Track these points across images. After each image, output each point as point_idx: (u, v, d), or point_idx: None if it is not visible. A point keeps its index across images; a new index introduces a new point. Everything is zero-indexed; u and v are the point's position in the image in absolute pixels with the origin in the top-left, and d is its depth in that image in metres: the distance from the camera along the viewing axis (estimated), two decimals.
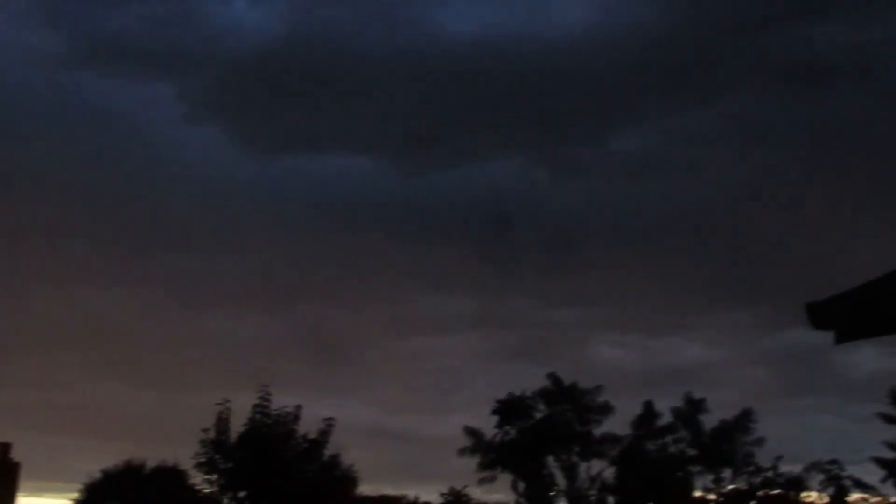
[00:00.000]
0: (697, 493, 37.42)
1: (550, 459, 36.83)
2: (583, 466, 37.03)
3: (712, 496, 37.33)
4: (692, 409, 37.60)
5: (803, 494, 36.75)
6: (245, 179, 61.32)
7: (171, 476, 35.82)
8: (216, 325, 57.97)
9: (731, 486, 37.35)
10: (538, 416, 37.37)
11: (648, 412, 37.61)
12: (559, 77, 59.00)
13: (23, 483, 31.81)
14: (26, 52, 59.24)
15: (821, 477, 36.24)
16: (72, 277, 56.60)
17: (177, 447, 35.35)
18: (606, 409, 37.36)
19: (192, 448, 28.12)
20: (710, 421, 37.61)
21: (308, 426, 28.39)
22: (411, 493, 43.37)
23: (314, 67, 60.15)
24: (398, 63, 59.72)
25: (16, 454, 30.96)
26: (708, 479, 37.21)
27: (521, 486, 36.34)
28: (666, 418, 37.65)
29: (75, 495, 37.01)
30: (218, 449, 27.41)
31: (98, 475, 36.65)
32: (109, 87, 60.09)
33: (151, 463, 37.02)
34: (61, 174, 55.91)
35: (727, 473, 37.28)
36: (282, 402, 28.28)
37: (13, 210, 54.24)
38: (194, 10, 62.94)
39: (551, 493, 36.61)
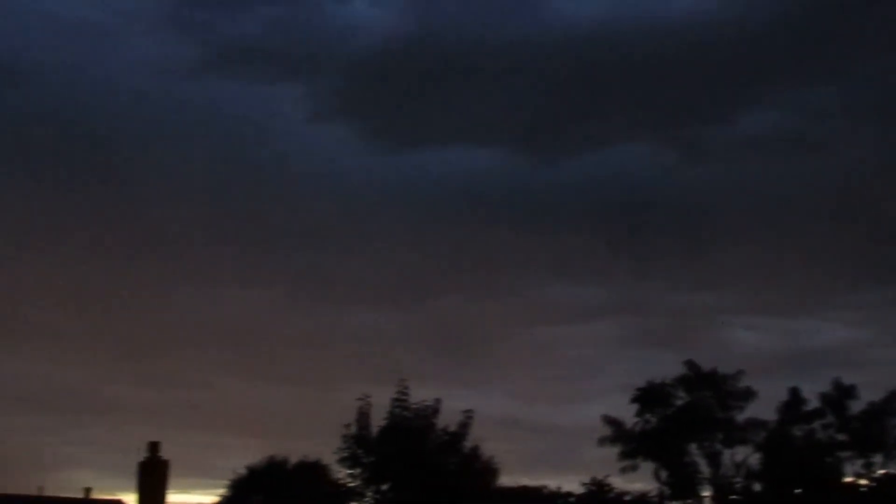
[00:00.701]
0: (848, 479, 36.22)
1: (693, 447, 36.04)
2: (727, 453, 36.17)
3: (863, 482, 36.09)
4: (840, 394, 36.35)
5: None
6: (373, 176, 61.86)
7: (313, 471, 36.30)
8: (351, 321, 58.70)
9: (882, 471, 36.09)
10: (678, 403, 36.63)
11: (795, 398, 36.49)
12: (683, 59, 57.98)
13: (172, 480, 32.39)
14: (158, 61, 60.83)
15: None
16: (211, 279, 57.94)
17: (318, 442, 35.87)
18: (748, 395, 36.37)
19: (332, 443, 28.44)
20: (856, 404, 36.40)
21: (447, 419, 28.47)
22: (550, 483, 43.09)
23: (437, 62, 60.31)
24: (520, 53, 59.51)
25: (164, 452, 31.51)
26: (858, 464, 36.01)
27: (664, 474, 35.69)
28: (812, 403, 36.52)
29: (222, 491, 37.85)
30: (360, 443, 27.62)
31: (243, 471, 37.39)
32: (238, 91, 61.30)
33: (294, 458, 37.62)
34: (196, 178, 57.29)
35: (878, 458, 36.01)
36: (419, 395, 28.40)
37: (154, 215, 55.76)
38: (316, 11, 63.76)
39: (695, 481, 35.85)
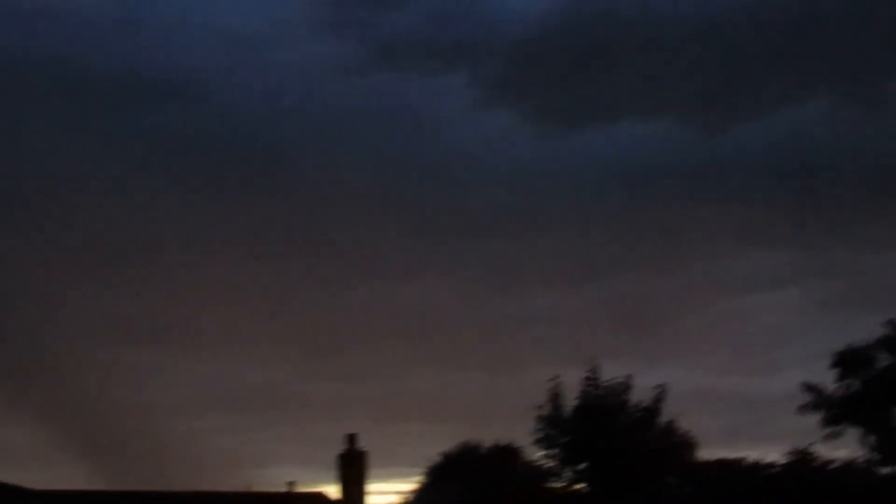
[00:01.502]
0: None
1: None
2: None
3: None
4: None
5: None
6: (541, 158, 61.43)
7: (506, 454, 36.41)
8: (532, 304, 58.52)
9: None
10: (882, 365, 35.09)
11: None
12: (863, 11, 55.42)
13: (370, 470, 32.98)
14: (318, 62, 61.87)
15: None
16: (387, 273, 58.75)
17: (509, 426, 35.97)
18: None
19: (524, 426, 28.58)
20: None
21: (639, 395, 28.18)
22: (749, 454, 41.96)
23: (597, 37, 59.44)
24: (683, 20, 58.02)
25: (361, 443, 32.09)
26: None
27: (872, 439, 34.26)
28: None
29: (419, 478, 38.37)
30: (554, 424, 27.63)
31: (438, 458, 37.79)
32: (400, 85, 61.83)
33: (487, 443, 37.81)
34: (365, 175, 58.16)
35: None
36: (609, 373, 28.21)
37: (327, 214, 56.95)
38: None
39: None
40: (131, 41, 58.15)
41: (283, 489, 33.53)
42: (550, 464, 28.43)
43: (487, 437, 37.78)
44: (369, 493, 31.23)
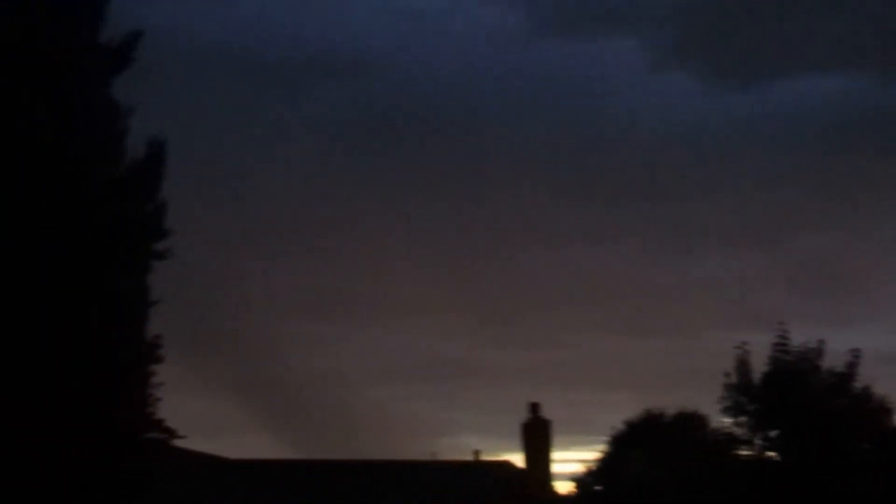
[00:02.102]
0: None
1: None
2: None
3: None
4: None
5: None
6: (719, 117, 59.99)
7: (691, 421, 35.82)
8: (711, 267, 57.32)
9: None
10: None
11: None
12: None
13: (554, 439, 33.07)
14: (489, 30, 61.93)
15: None
16: (561, 238, 58.56)
17: (692, 392, 35.39)
18: None
19: (707, 392, 28.10)
20: None
21: (831, 360, 27.28)
22: None
23: None
24: None
25: (544, 412, 32.18)
26: None
27: None
28: None
29: (602, 447, 38.19)
30: (743, 391, 27.06)
31: (621, 426, 37.49)
32: (572, 51, 61.30)
33: (670, 410, 37.27)
34: (539, 141, 57.96)
35: None
36: (798, 338, 27.38)
37: (502, 182, 57.04)
38: None
39: None
40: (307, 22, 59.48)
41: (469, 458, 33.99)
42: (739, 432, 27.82)
43: (671, 404, 37.33)
44: (554, 461, 31.29)
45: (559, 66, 60.57)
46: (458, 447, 44.91)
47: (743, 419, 27.33)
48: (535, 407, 30.02)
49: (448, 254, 56.63)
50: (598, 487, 33.36)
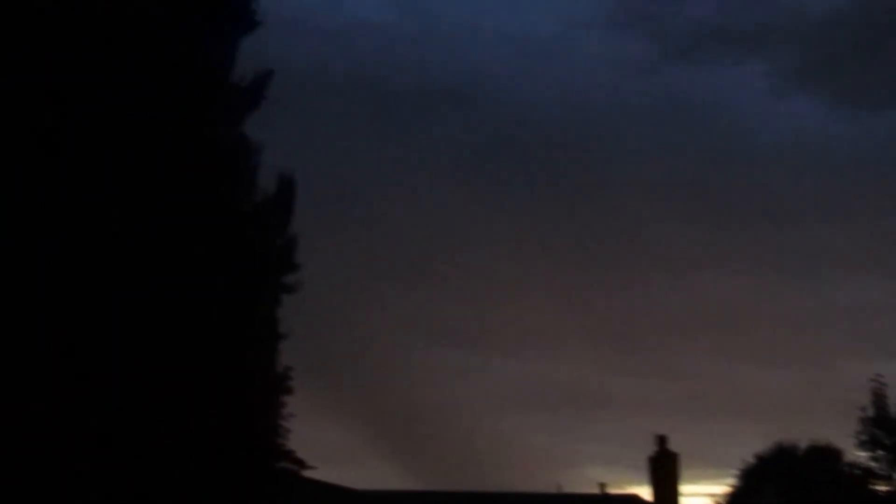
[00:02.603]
0: None
1: None
2: None
3: None
4: None
5: None
6: (844, 142, 58.63)
7: (825, 455, 34.87)
8: (842, 295, 55.78)
9: None
10: None
11: None
12: None
13: (682, 471, 32.41)
14: (616, 57, 61.73)
15: None
16: (684, 264, 57.73)
17: (824, 425, 34.48)
18: None
19: (840, 425, 27.46)
20: None
21: None
22: None
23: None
24: None
25: (672, 444, 31.60)
26: None
27: None
28: None
29: (731, 480, 37.39)
30: (879, 425, 26.28)
31: (752, 460, 36.69)
32: (697, 77, 60.71)
33: (803, 443, 36.34)
34: (664, 166, 57.36)
35: None
36: None
37: (626, 207, 56.57)
38: None
39: None
40: (426, 53, 60.16)
41: (595, 490, 33.59)
42: (876, 466, 27.00)
43: (803, 437, 36.35)
44: (682, 495, 30.71)
45: (685, 92, 60.07)
46: (583, 479, 44.51)
47: (880, 453, 26.62)
48: (662, 439, 29.46)
49: (575, 282, 56.40)
50: None
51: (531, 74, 62.63)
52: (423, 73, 57.95)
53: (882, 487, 27.41)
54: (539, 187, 56.75)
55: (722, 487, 37.93)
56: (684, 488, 32.47)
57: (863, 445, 26.80)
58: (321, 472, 19.90)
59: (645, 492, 31.49)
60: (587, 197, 56.97)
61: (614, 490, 33.42)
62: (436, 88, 57.66)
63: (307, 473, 17.39)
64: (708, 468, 42.24)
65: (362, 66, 56.72)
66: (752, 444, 37.84)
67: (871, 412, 26.19)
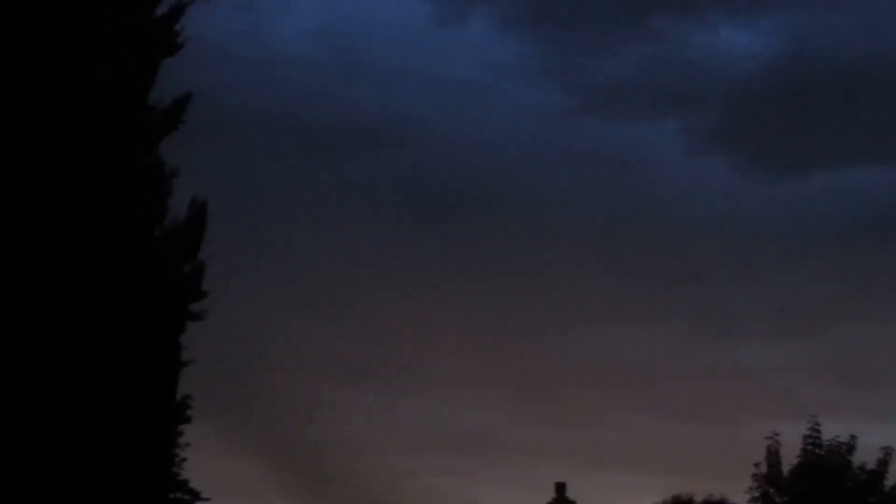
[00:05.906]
0: None
1: None
2: None
3: None
4: None
5: None
6: (756, 206, 59.98)
7: None
8: (748, 354, 56.79)
9: None
10: None
11: None
12: None
13: None
14: (534, 107, 62.37)
15: None
16: (601, 318, 58.31)
17: (722, 480, 34.94)
18: None
19: (738, 481, 27.81)
20: None
21: (863, 456, 26.93)
22: None
23: (817, 81, 57.65)
24: None
25: (570, 492, 31.86)
26: None
27: None
28: None
29: None
30: (772, 483, 26.71)
31: None
32: (613, 132, 61.58)
33: (698, 497, 36.78)
34: (576, 220, 58.04)
35: None
36: (830, 430, 27.10)
37: (541, 258, 57.09)
38: (681, 45, 62.78)
39: None
40: (351, 91, 60.24)
41: None
42: None
43: (699, 491, 36.80)
44: None
45: (600, 146, 60.86)
46: None
47: None
48: (560, 487, 29.69)
49: (488, 327, 56.58)
50: None
51: (455, 119, 62.89)
52: (346, 111, 58.01)
53: None
54: (456, 231, 57.06)
55: None
56: None
57: (754, 501, 27.20)
58: (215, 503, 19.66)
59: None
60: (504, 244, 57.39)
61: None
62: (358, 127, 57.77)
63: None
64: None
65: (286, 98, 56.55)
66: (651, 495, 38.22)
67: (764, 469, 26.66)
